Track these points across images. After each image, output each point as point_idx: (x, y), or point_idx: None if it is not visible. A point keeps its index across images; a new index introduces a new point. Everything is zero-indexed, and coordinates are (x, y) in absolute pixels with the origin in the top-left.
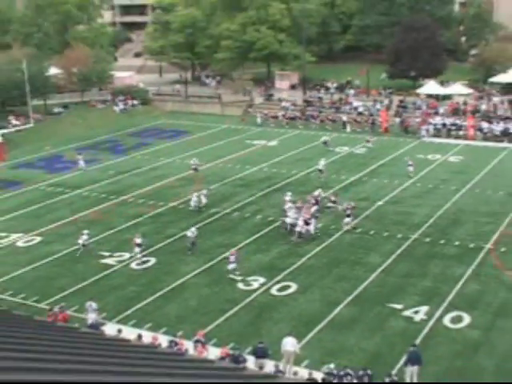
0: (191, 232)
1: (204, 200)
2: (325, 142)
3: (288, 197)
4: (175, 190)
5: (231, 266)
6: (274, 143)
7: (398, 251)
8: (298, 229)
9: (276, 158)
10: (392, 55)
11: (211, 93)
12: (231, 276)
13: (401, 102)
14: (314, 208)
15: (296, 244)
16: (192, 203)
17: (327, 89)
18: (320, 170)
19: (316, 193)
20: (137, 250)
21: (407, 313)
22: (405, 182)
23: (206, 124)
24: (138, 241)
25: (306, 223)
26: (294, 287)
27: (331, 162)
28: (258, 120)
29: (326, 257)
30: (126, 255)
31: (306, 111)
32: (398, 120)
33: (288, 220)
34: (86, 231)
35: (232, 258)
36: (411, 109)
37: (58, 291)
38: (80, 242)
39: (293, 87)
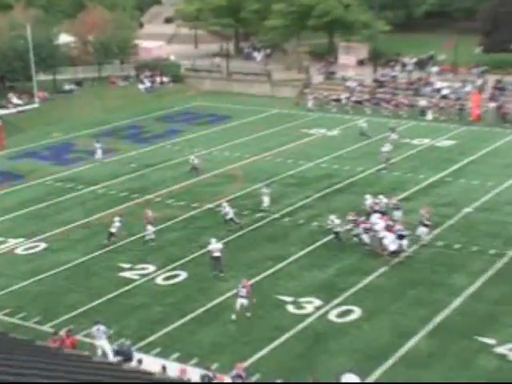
0: (220, 246)
1: (266, 201)
2: (362, 133)
3: (369, 200)
4: (212, 189)
5: (241, 302)
6: (335, 132)
7: (491, 271)
8: (386, 241)
9: (338, 151)
10: (488, 23)
11: (259, 69)
12: (247, 314)
13: (498, 82)
14: (376, 216)
15: (387, 260)
16: (223, 211)
17: (404, 65)
18: (387, 159)
19: (375, 200)
20: (149, 228)
21: (501, 349)
22: (503, 182)
23: (252, 108)
24: (150, 213)
25: (400, 237)
26: (357, 312)
27: (406, 157)
28: (310, 104)
29: (398, 276)
30: (151, 268)
31: (376, 93)
32: (493, 105)
33: (377, 227)
34: (117, 218)
35: (243, 292)
36: (511, 91)
37: (66, 310)
38: (111, 230)
39: (360, 63)
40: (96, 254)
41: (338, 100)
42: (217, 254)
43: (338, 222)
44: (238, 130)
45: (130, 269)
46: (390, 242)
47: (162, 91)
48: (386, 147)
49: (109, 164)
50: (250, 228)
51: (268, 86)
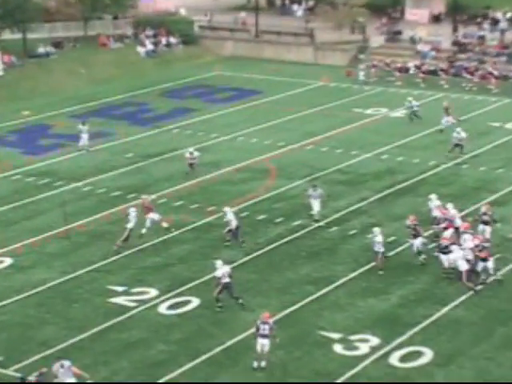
0: (228, 269)
1: (316, 206)
2: (415, 115)
3: (435, 202)
4: (235, 188)
5: (262, 344)
6: (399, 113)
7: None
8: (452, 256)
9: (403, 138)
10: None
11: (298, 27)
12: (263, 364)
13: None
14: (450, 232)
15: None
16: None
17: (495, 23)
18: (458, 145)
19: (442, 209)
20: (151, 216)
21: None
22: None
23: (289, 79)
24: (146, 200)
25: (483, 258)
26: (428, 355)
27: (496, 147)
28: (361, 75)
29: (484, 307)
30: (152, 292)
31: (456, 61)
32: None
33: (457, 253)
34: (133, 209)
35: (265, 329)
36: None
37: (38, 348)
38: (128, 226)
39: (436, 20)
40: (79, 272)
41: (404, 69)
42: (227, 280)
43: (380, 239)
44: (269, 109)
45: (125, 293)
46: (460, 258)
47: (168, 56)
48: (456, 133)
49: (97, 153)
50: (285, 240)
51: (310, 50)
